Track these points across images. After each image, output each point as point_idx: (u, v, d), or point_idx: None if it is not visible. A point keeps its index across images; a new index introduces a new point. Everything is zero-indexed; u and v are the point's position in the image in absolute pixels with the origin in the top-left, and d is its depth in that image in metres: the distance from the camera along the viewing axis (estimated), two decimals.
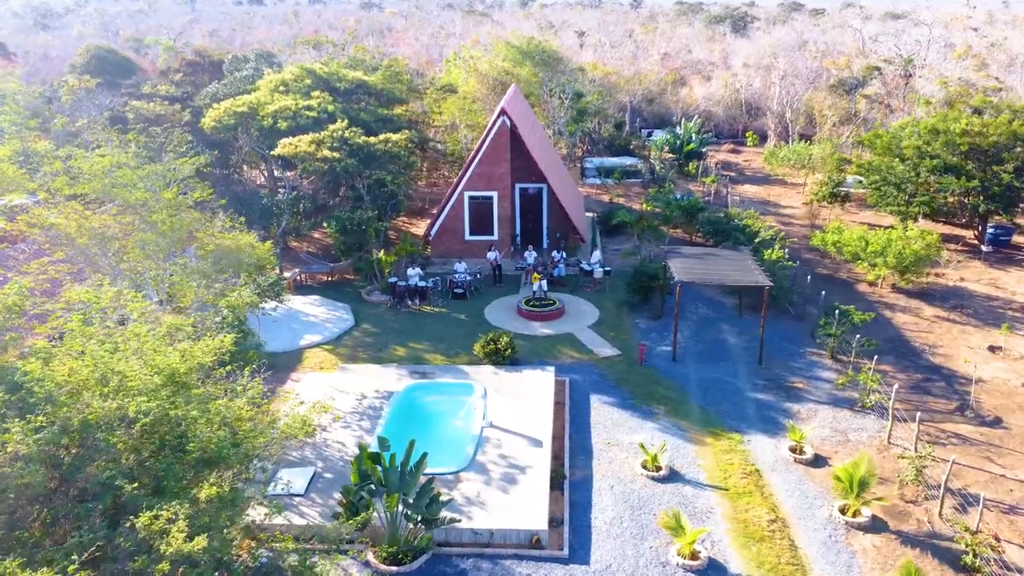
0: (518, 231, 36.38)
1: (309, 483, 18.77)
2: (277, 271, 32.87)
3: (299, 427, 14.89)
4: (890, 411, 21.58)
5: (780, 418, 22.54)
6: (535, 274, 29.57)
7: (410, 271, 30.41)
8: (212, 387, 13.83)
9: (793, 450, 20.76)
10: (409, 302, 29.93)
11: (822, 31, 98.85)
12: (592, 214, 41.07)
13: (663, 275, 29.49)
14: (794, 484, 19.45)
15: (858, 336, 25.21)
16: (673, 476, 19.65)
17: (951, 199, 37.47)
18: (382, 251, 30.87)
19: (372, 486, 16.01)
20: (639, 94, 63.47)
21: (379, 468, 16.21)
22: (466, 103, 44.38)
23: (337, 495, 17.68)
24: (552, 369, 24.54)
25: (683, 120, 55.53)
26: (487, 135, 33.25)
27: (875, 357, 24.51)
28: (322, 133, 29.37)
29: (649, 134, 58.25)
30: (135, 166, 22.23)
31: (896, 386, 22.06)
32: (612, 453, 20.64)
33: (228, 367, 14.92)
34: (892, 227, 35.38)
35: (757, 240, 32.08)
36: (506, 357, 24.75)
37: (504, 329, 27.86)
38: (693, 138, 52.58)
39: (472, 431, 21.04)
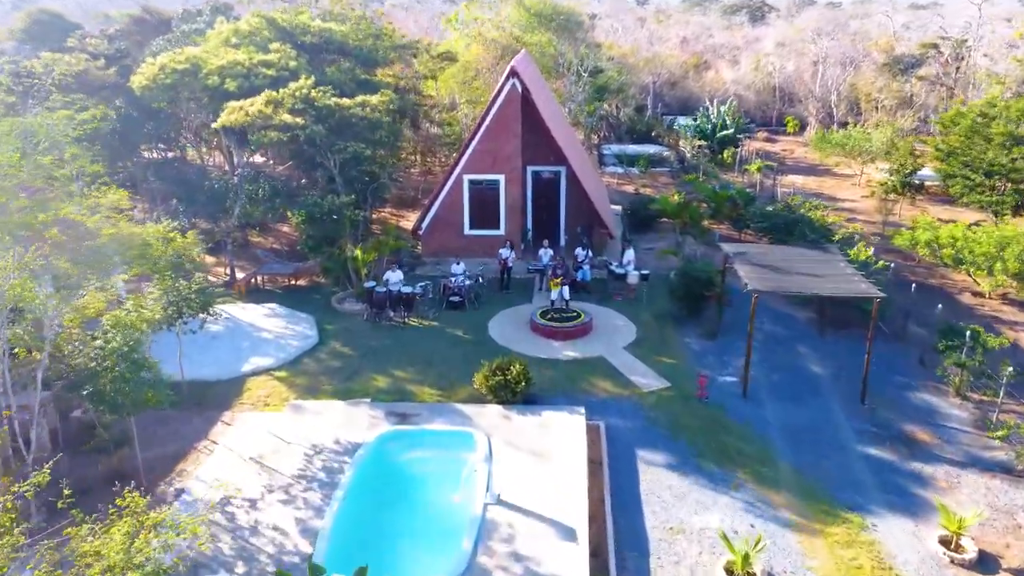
0: (530, 224, 29.68)
1: None
2: (228, 272, 26.21)
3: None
4: None
5: (911, 487, 15.82)
6: (554, 279, 22.84)
7: (390, 274, 23.69)
8: None
9: (946, 543, 14.02)
10: (391, 313, 23.23)
11: (840, 24, 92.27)
12: (618, 207, 34.34)
13: (720, 281, 22.78)
14: None
15: (1003, 370, 18.48)
16: None
17: None
18: (358, 248, 24.14)
19: None
20: (662, 75, 56.72)
21: None
22: (467, 75, 37.65)
23: None
24: (582, 411, 17.82)
25: (715, 103, 48.76)
26: (492, 103, 26.55)
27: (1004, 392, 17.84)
28: (280, 91, 22.64)
29: (672, 121, 51.51)
30: None
31: None
32: (678, 546, 13.91)
33: None
34: (980, 223, 28.77)
35: (836, 237, 25.34)
36: (518, 392, 18.06)
37: (514, 351, 21.16)
38: (727, 123, 45.85)
39: (471, 510, 14.31)
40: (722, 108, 47.16)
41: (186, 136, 29.53)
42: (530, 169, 28.95)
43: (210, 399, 18.86)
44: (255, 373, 20.14)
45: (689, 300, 23.03)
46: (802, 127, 53.51)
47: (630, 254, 25.35)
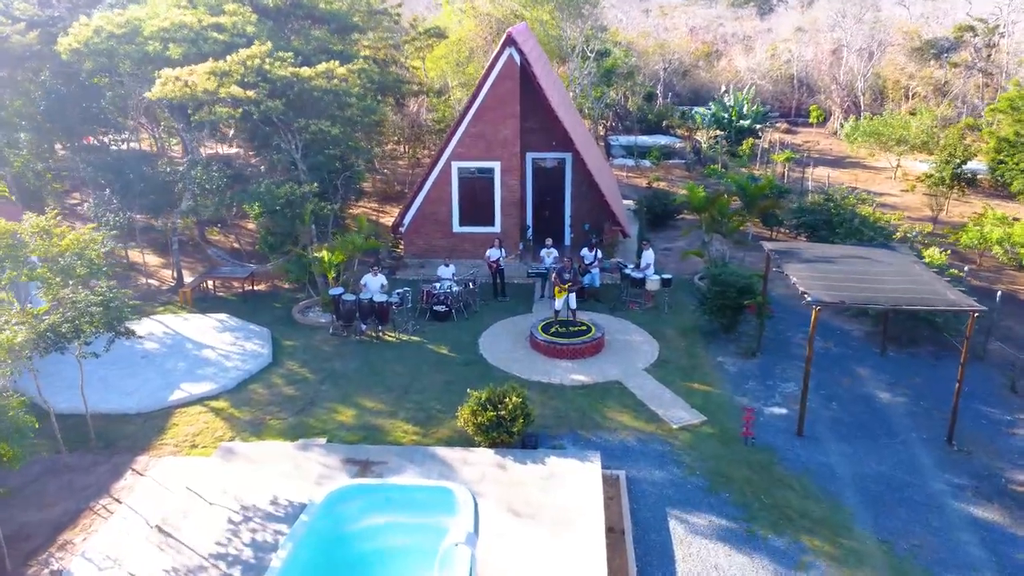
0: (530, 220, 25.68)
1: None
2: (175, 276, 22.22)
3: None
4: None
5: None
6: (559, 285, 18.84)
7: (368, 279, 19.71)
8: None
9: None
10: (363, 326, 19.24)
11: (857, 16, 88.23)
12: (629, 201, 30.35)
13: (759, 288, 18.79)
14: None
15: None
16: None
17: None
18: (324, 247, 20.15)
19: None
20: (673, 61, 52.69)
21: None
22: (460, 55, 33.65)
23: None
24: (596, 457, 13.80)
25: (732, 90, 44.75)
26: (486, 77, 22.55)
27: None
28: (227, 59, 18.63)
29: (688, 109, 47.52)
30: None
31: None
32: None
33: None
34: None
35: (896, 236, 21.37)
36: (515, 432, 14.06)
37: (510, 374, 17.22)
38: (745, 111, 41.83)
39: None
40: (740, 95, 43.14)
41: (136, 119, 25.51)
42: (530, 156, 24.96)
43: (124, 439, 14.86)
44: (186, 404, 16.13)
45: (722, 310, 19.02)
46: (825, 117, 49.49)
47: (649, 255, 21.35)
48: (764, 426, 15.46)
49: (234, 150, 32.58)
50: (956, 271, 19.23)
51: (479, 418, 13.97)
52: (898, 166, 36.96)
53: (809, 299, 14.59)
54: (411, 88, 29.41)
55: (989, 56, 48.05)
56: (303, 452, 14.05)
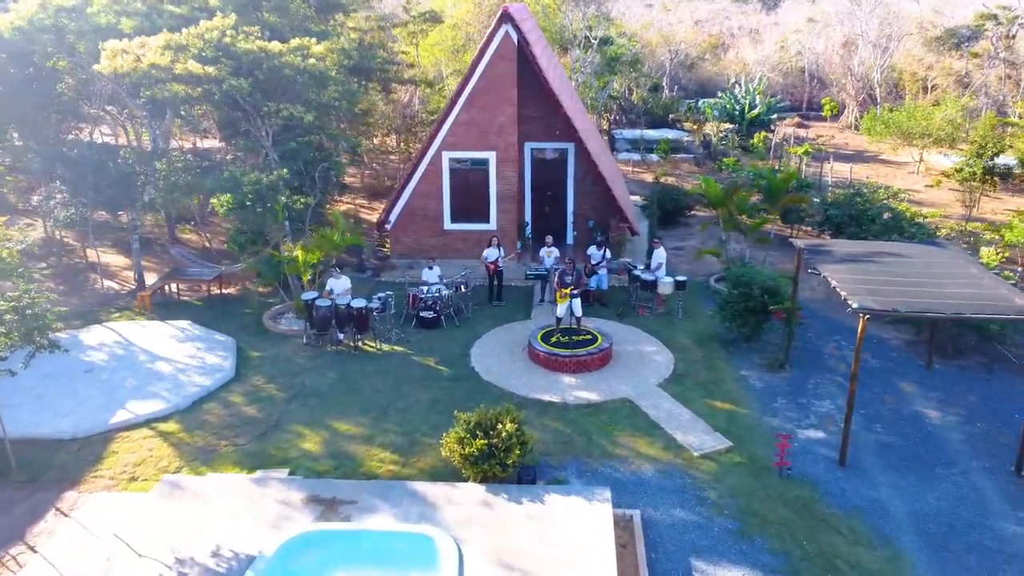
0: (529, 217, 23.52)
1: None
2: (136, 278, 20.09)
3: None
4: None
5: None
6: (561, 289, 16.66)
7: (332, 282, 17.54)
8: None
9: None
10: (340, 335, 17.07)
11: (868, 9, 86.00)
12: (636, 197, 28.17)
13: (787, 290, 16.60)
14: None
15: None
16: None
17: None
18: (298, 245, 17.97)
19: None
20: (679, 52, 50.51)
21: None
22: (456, 42, 31.48)
23: None
24: (606, 495, 11.61)
25: (743, 81, 42.52)
26: (479, 58, 20.39)
27: None
28: (184, 32, 16.46)
29: (696, 102, 45.34)
30: None
31: None
32: None
33: None
34: None
35: (941, 234, 19.22)
36: (510, 465, 11.88)
37: (505, 390, 15.08)
38: (758, 102, 39.62)
39: None
40: (751, 86, 40.94)
41: (100, 107, 23.30)
42: (529, 146, 22.79)
43: (52, 470, 12.70)
44: (131, 427, 13.96)
45: (745, 316, 16.83)
46: (839, 110, 47.26)
47: (660, 255, 19.17)
48: (800, 453, 13.29)
49: (217, 144, 30.43)
50: (1009, 273, 17.05)
51: (467, 448, 11.79)
52: (921, 160, 34.73)
53: (855, 306, 12.40)
54: (399, 72, 27.17)
55: (1009, 46, 45.86)
56: (259, 487, 11.88)
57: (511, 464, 11.87)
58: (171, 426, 14.00)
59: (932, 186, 31.75)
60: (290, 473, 12.57)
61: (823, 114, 47.40)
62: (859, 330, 12.54)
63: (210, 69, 15.88)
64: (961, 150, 33.50)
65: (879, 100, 44.88)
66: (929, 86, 43.64)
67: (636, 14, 77.47)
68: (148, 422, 14.09)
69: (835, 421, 14.35)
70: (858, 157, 38.56)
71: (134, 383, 15.32)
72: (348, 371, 16.06)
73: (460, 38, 31.84)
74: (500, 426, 11.91)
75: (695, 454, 13.20)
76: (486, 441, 11.76)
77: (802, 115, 49.40)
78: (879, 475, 12.84)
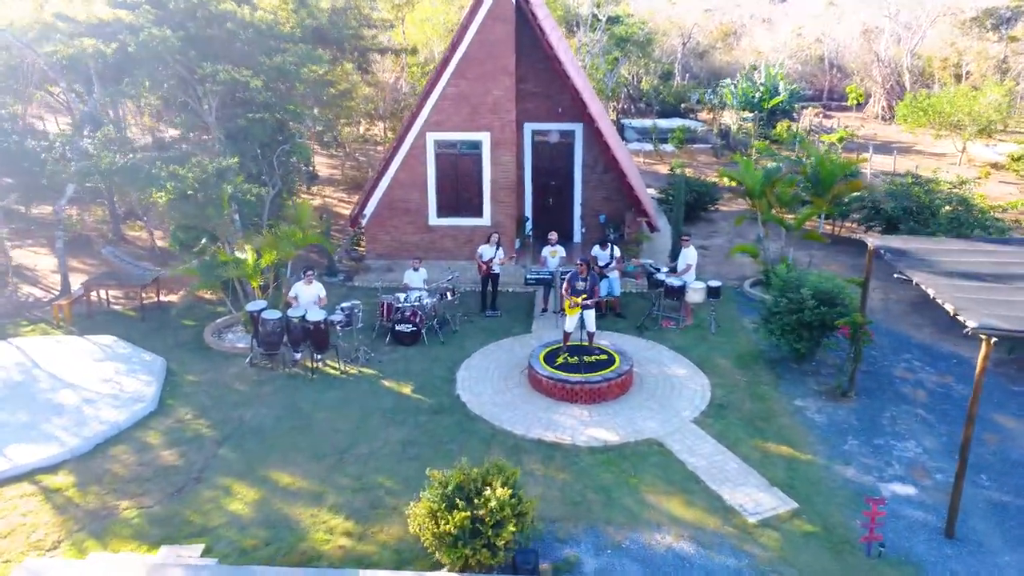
0: (529, 211, 20.21)
1: None
2: (62, 282, 16.77)
3: None
4: None
5: None
6: (573, 298, 13.33)
7: (300, 288, 14.22)
8: None
9: None
10: (296, 355, 13.77)
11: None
12: (653, 190, 24.87)
13: (846, 301, 13.28)
14: None
15: None
16: None
17: None
18: (250, 245, 14.66)
19: None
20: (690, 40, 47.28)
21: None
22: (449, 19, 28.23)
23: None
24: None
25: (763, 66, 39.19)
26: (471, 19, 17.06)
27: None
28: None
29: (715, 85, 42.08)
30: None
31: None
32: None
33: None
34: None
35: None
36: (501, 547, 8.55)
37: (498, 427, 11.77)
38: (781, 89, 36.33)
39: None
40: (771, 70, 37.63)
41: (27, 84, 20.02)
42: (530, 127, 19.50)
43: None
44: (7, 481, 10.66)
45: (797, 331, 13.51)
46: (865, 99, 43.97)
47: (690, 255, 15.85)
48: (890, 519, 9.96)
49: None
50: None
51: (443, 524, 8.47)
52: (963, 151, 31.41)
53: (974, 325, 9.06)
54: (375, 40, 23.81)
55: None
56: (165, 572, 8.57)
57: (503, 545, 8.55)
58: (60, 479, 10.70)
59: (981, 178, 28.43)
60: (204, 552, 9.27)
61: (847, 103, 44.14)
62: (980, 358, 9.23)
63: (122, 13, 12.55)
64: (1006, 139, 30.28)
65: (908, 87, 41.62)
66: (963, 72, 40.31)
67: (641, 3, 74.30)
68: (32, 473, 10.79)
69: (925, 470, 11.04)
70: (890, 148, 35.26)
71: (24, 419, 12.02)
72: (300, 402, 12.75)
73: (453, 14, 28.54)
74: (488, 491, 8.61)
75: (750, 520, 9.88)
76: (468, 513, 8.45)
77: (824, 104, 46.16)
78: (1001, 551, 9.52)
